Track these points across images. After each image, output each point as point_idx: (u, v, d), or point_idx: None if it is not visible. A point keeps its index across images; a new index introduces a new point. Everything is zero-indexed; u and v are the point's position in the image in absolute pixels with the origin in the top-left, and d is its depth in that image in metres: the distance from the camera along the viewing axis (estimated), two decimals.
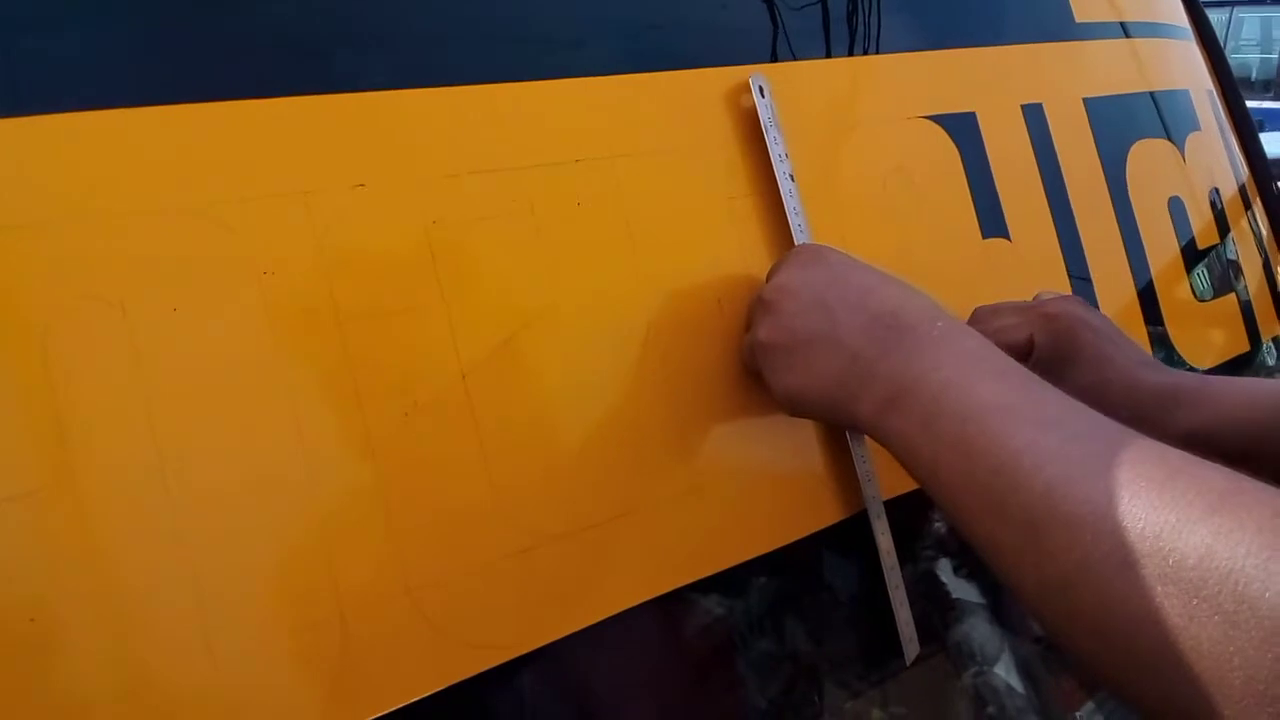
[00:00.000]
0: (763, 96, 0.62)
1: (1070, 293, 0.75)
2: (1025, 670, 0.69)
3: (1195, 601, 0.35)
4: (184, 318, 0.44)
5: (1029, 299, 0.72)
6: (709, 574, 0.57)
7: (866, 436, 0.55)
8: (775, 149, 0.62)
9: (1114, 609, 0.37)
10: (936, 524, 0.68)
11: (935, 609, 0.67)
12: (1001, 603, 0.70)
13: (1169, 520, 0.37)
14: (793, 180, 0.62)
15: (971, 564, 0.69)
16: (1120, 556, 0.37)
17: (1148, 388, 0.63)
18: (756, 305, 0.57)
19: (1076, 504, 0.40)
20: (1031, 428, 0.44)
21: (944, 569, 0.68)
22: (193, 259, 0.45)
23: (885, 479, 0.63)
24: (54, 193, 0.42)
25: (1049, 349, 0.64)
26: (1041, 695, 0.70)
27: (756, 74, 0.62)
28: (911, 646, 0.63)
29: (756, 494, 0.60)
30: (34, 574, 0.40)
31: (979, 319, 0.67)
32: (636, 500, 0.55)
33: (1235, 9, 6.95)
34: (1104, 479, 0.40)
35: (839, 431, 0.63)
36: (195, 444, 0.43)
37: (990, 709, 0.67)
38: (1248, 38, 7.21)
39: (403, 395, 0.49)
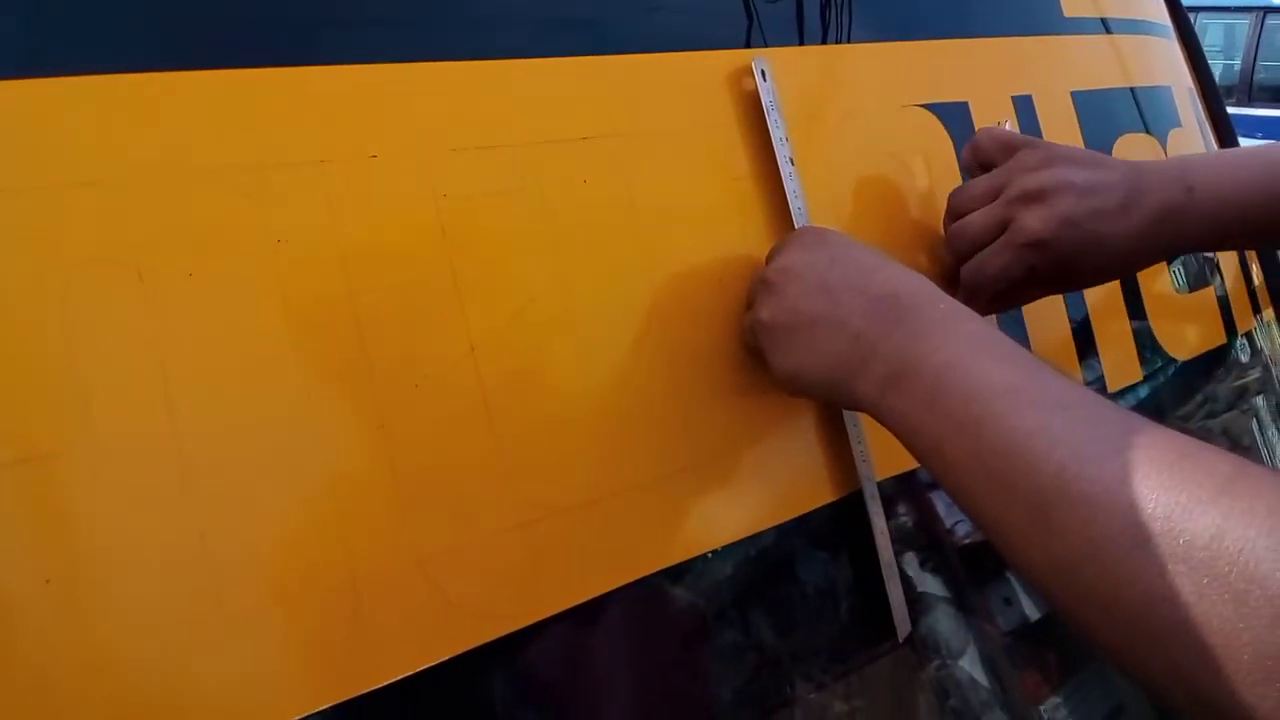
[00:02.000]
0: (765, 80, 0.62)
1: None
2: (990, 664, 0.70)
3: (1206, 580, 0.36)
4: (199, 283, 0.44)
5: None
6: (706, 550, 0.57)
7: (865, 417, 0.55)
8: (776, 132, 0.62)
9: (1125, 588, 0.38)
10: (902, 518, 0.69)
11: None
12: (966, 596, 0.71)
13: (1180, 501, 0.37)
14: (793, 164, 0.62)
15: (937, 558, 0.70)
16: (1132, 536, 0.38)
17: (1135, 234, 0.64)
18: (759, 285, 0.58)
19: (1089, 484, 0.40)
20: (1039, 410, 0.44)
21: (910, 562, 0.69)
22: (208, 225, 0.45)
23: (880, 461, 0.64)
24: (70, 156, 0.42)
25: (1051, 268, 0.64)
26: (1006, 689, 0.71)
27: (759, 58, 0.63)
28: (904, 626, 0.63)
29: (753, 472, 0.60)
30: (49, 536, 0.40)
31: (954, 236, 0.67)
32: (637, 476, 0.55)
33: (1199, 15, 7.06)
34: (1115, 460, 0.40)
35: (835, 412, 0.63)
36: (208, 411, 0.44)
37: (953, 702, 0.68)
38: (1211, 44, 7.33)
39: (413, 367, 0.49)
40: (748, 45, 0.65)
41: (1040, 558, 0.42)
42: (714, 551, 0.58)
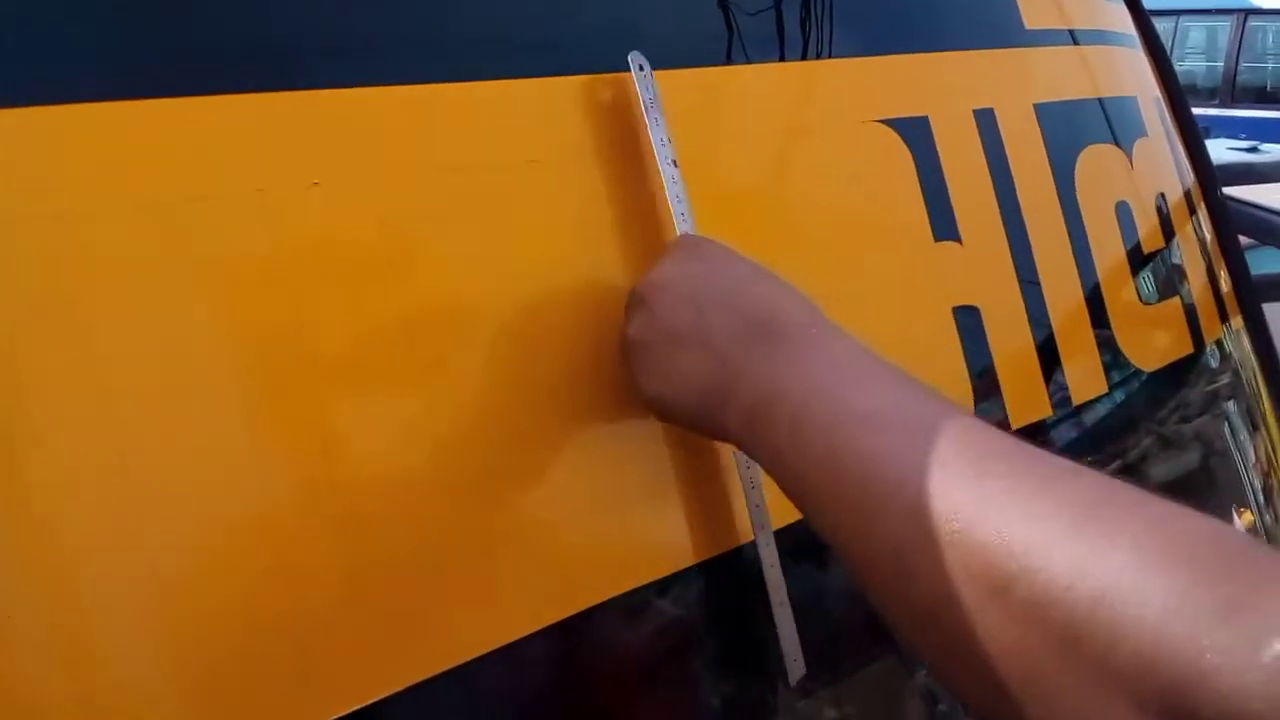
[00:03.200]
0: (642, 72, 0.58)
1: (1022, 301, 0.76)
2: None
3: (1068, 633, 0.32)
4: (140, 317, 0.43)
5: (980, 303, 0.73)
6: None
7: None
8: (656, 132, 0.58)
9: (983, 639, 0.35)
10: None
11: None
12: None
13: (1037, 537, 0.34)
14: (675, 166, 0.58)
15: None
16: (990, 580, 0.35)
17: None
18: (631, 299, 0.53)
19: (943, 521, 0.37)
20: (897, 434, 0.41)
21: None
22: (148, 258, 0.44)
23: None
24: (8, 189, 0.41)
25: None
26: None
27: (636, 54, 0.58)
28: (796, 670, 0.60)
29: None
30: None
31: None
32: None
33: (1181, 18, 7.09)
34: (970, 491, 0.37)
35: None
36: (153, 444, 0.43)
37: (942, 707, 0.68)
38: (1194, 46, 7.37)
39: (358, 394, 0.48)
40: (729, 61, 0.65)
41: (900, 607, 0.39)
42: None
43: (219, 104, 0.47)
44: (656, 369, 0.51)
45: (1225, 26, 7.03)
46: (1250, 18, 6.93)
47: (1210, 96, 6.77)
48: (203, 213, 0.45)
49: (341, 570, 0.47)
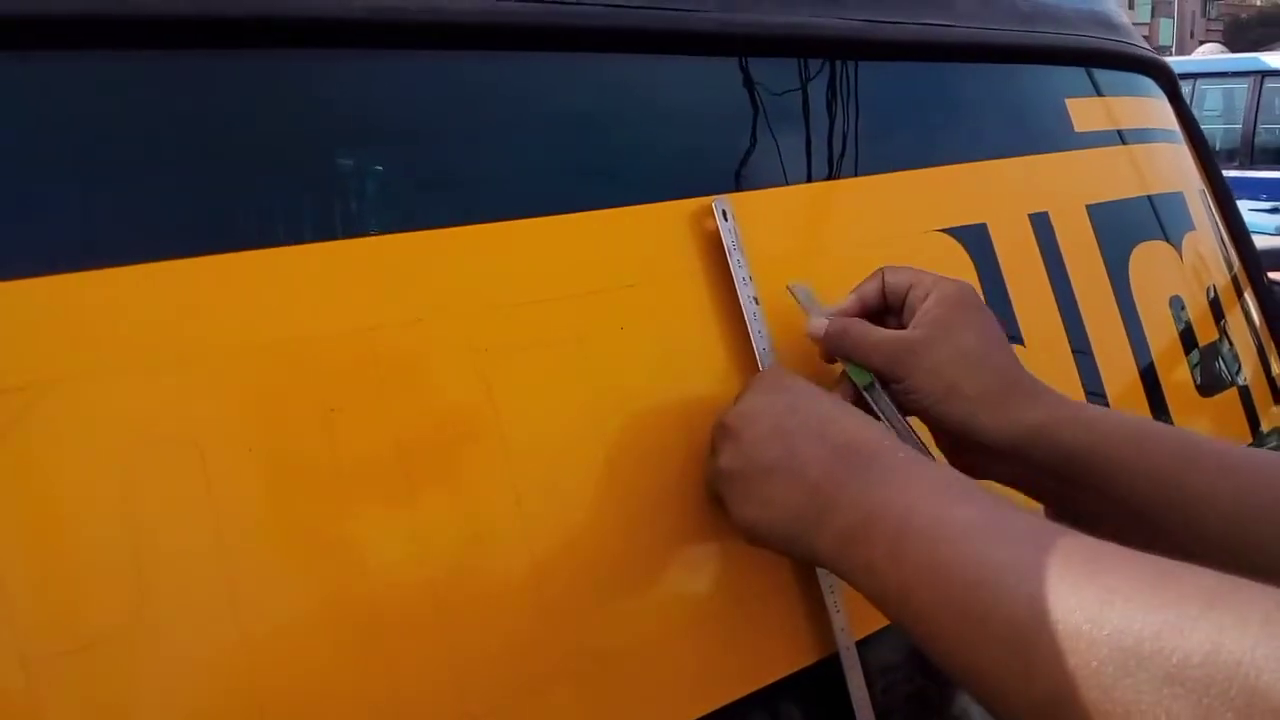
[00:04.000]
0: (725, 220, 0.62)
1: (1084, 398, 0.77)
2: None
3: (1206, 700, 0.34)
4: (258, 456, 0.45)
5: None
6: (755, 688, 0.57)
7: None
8: (739, 272, 0.61)
9: (1115, 718, 0.36)
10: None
11: (931, 682, 0.67)
12: None
13: (1168, 619, 0.36)
14: (757, 304, 0.61)
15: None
16: (1119, 661, 0.36)
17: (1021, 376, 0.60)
18: (718, 430, 0.56)
19: (1067, 613, 0.38)
20: (1007, 544, 0.43)
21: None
22: (264, 398, 0.46)
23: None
24: (130, 342, 0.44)
25: (938, 302, 0.60)
26: None
27: (719, 199, 0.62)
28: None
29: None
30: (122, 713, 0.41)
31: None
32: (692, 614, 0.56)
33: (1198, 81, 7.15)
34: (1092, 585, 0.39)
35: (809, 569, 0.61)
36: (267, 581, 0.45)
37: None
38: (1211, 108, 7.42)
39: (464, 522, 0.50)
40: (785, 182, 0.67)
41: (1020, 700, 0.40)
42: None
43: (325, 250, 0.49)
44: (749, 498, 0.53)
45: (1243, 89, 7.07)
46: (1267, 79, 6.97)
47: (1229, 158, 6.79)
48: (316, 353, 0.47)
49: (445, 690, 0.48)
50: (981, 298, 0.63)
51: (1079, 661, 0.37)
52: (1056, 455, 0.58)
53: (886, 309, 0.62)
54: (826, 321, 0.61)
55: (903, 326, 0.61)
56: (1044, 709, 0.39)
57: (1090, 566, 0.40)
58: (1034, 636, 0.39)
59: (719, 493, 0.56)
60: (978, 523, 0.45)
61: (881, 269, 0.62)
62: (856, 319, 0.61)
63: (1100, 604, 0.38)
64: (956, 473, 0.50)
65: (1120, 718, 0.36)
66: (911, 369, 0.59)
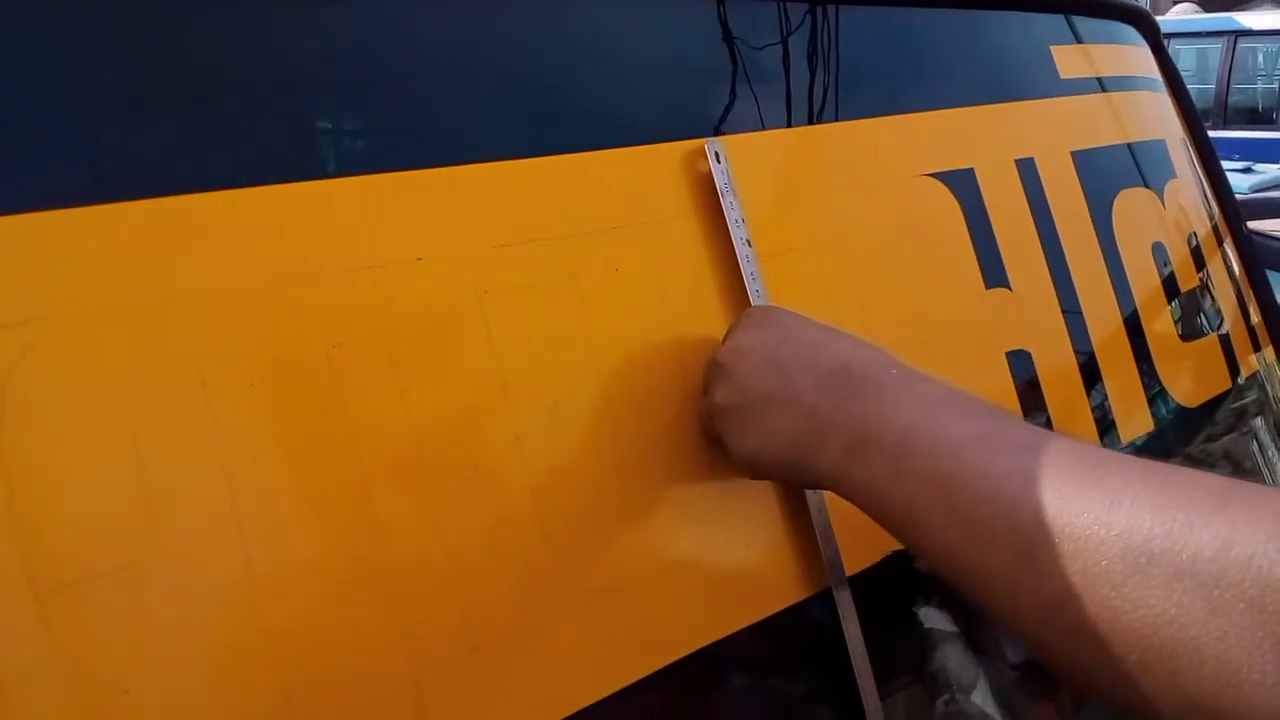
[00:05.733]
0: (719, 163, 0.62)
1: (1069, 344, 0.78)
2: (1002, 697, 0.70)
3: (1217, 592, 0.34)
4: (260, 391, 0.46)
5: (1031, 347, 0.75)
6: (743, 625, 0.58)
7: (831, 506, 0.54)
8: (732, 214, 0.62)
9: (1123, 615, 0.37)
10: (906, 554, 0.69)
11: (909, 638, 0.69)
12: (975, 630, 0.72)
13: (1178, 518, 0.36)
14: (750, 245, 0.62)
15: (943, 593, 0.70)
16: (1130, 560, 0.37)
17: None
18: (711, 368, 0.57)
19: (1073, 516, 0.39)
20: (1009, 454, 0.43)
21: (917, 599, 0.69)
22: (266, 335, 0.46)
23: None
24: (135, 276, 0.44)
25: None
26: None
27: (712, 141, 0.62)
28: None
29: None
30: (125, 649, 0.41)
31: None
32: (685, 552, 0.57)
33: (1172, 41, 7.16)
34: (1098, 488, 0.39)
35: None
36: (272, 514, 0.45)
37: None
38: (1185, 68, 7.44)
39: (464, 459, 0.50)
40: (775, 125, 0.67)
41: (1027, 600, 0.41)
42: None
43: (327, 188, 0.49)
44: (747, 430, 0.54)
45: (1217, 48, 7.09)
46: (1241, 39, 6.99)
47: (1203, 118, 6.81)
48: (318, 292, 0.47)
49: (453, 627, 0.49)
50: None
51: (1088, 562, 0.38)
52: None
53: None
54: None
55: None
56: (1053, 610, 0.40)
57: (1095, 471, 0.40)
58: (1041, 541, 0.40)
59: (716, 429, 0.56)
60: (977, 434, 0.45)
61: None
62: None
63: (1107, 506, 0.38)
64: (951, 386, 0.50)
65: (1129, 613, 0.37)
66: None
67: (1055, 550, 0.39)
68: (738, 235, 0.61)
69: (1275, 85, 7.02)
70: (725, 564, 0.59)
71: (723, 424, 0.55)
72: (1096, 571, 0.38)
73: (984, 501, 0.43)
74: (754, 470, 0.55)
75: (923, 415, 0.47)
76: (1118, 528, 0.38)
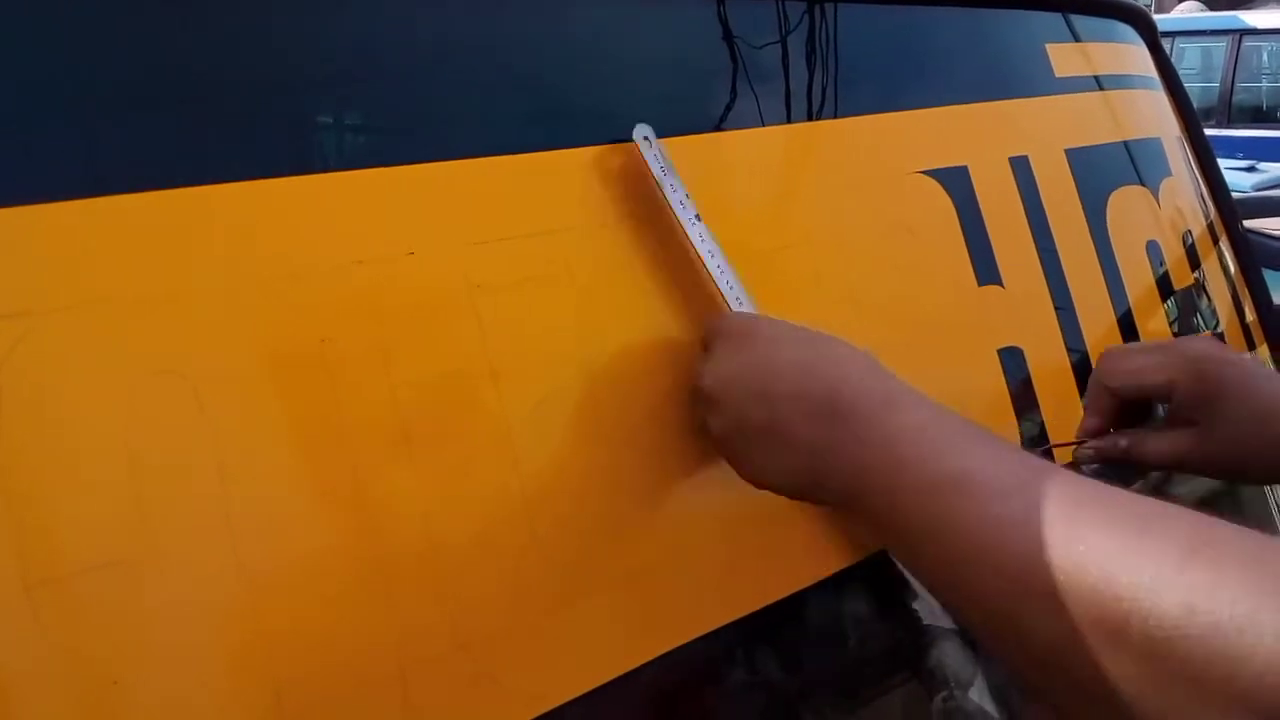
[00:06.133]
0: (650, 147, 0.59)
1: (1061, 341, 0.79)
2: (999, 694, 0.71)
3: (1187, 665, 0.35)
4: (251, 386, 0.46)
5: (1023, 344, 0.75)
6: (733, 618, 0.59)
7: None
8: (674, 196, 0.59)
9: (1111, 679, 0.37)
10: None
11: (907, 635, 0.69)
12: None
13: (1144, 582, 0.37)
14: (699, 220, 0.59)
15: None
16: (1105, 625, 0.37)
17: None
18: (697, 396, 0.56)
19: (1052, 573, 0.39)
20: (993, 500, 0.43)
21: (914, 595, 0.70)
22: (256, 331, 0.46)
23: None
24: (127, 272, 0.44)
25: (1191, 391, 0.62)
26: (1015, 718, 0.73)
27: (641, 126, 0.59)
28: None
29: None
30: (115, 642, 0.42)
31: (1109, 359, 0.67)
32: (666, 549, 0.57)
33: (1176, 39, 7.15)
34: (1074, 545, 0.39)
35: None
36: (262, 509, 0.45)
37: None
38: (1189, 67, 7.42)
39: (455, 454, 0.51)
40: (767, 123, 0.68)
41: (1019, 656, 0.42)
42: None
43: (317, 183, 0.50)
44: (748, 458, 0.54)
45: (1221, 47, 7.07)
46: (1245, 38, 6.98)
47: (1207, 117, 6.80)
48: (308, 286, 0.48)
49: (441, 624, 0.49)
50: (1222, 350, 0.66)
51: (1066, 626, 0.38)
52: None
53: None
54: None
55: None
56: (1041, 666, 0.41)
57: (1071, 519, 0.40)
58: (1023, 601, 0.40)
59: (719, 453, 0.56)
60: (962, 473, 0.45)
61: (1096, 374, 0.67)
62: (1121, 444, 0.65)
63: (1080, 566, 0.39)
64: (937, 408, 0.49)
65: (1119, 678, 0.37)
66: (1200, 468, 0.63)
67: (1037, 609, 0.40)
68: (686, 216, 0.59)
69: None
70: (712, 558, 0.60)
71: (723, 451, 0.55)
72: (1080, 635, 0.38)
73: (970, 555, 0.43)
74: (766, 488, 0.55)
75: (910, 452, 0.47)
76: (1088, 589, 0.38)
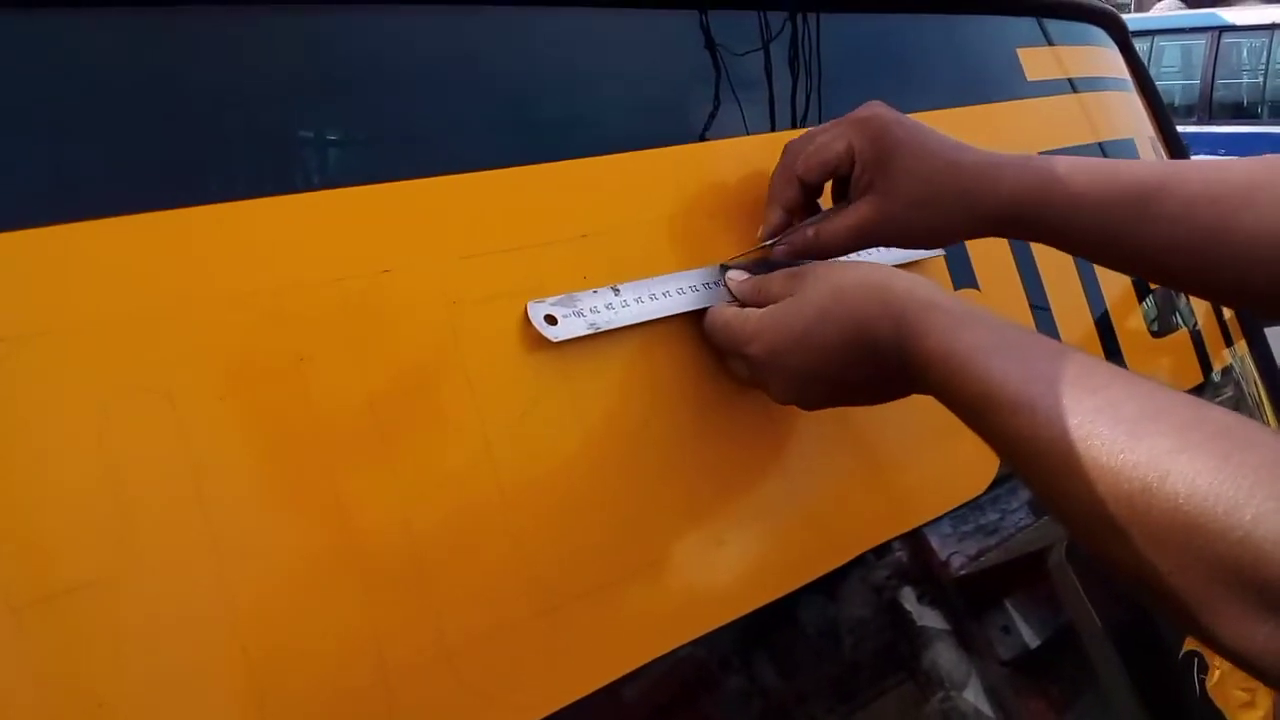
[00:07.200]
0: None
1: None
2: (993, 694, 0.72)
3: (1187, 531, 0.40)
4: (229, 404, 0.46)
5: None
6: (722, 623, 0.59)
7: None
8: None
9: (1135, 542, 0.42)
10: (897, 552, 0.71)
11: (901, 637, 0.70)
12: (966, 628, 0.73)
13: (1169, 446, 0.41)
14: None
15: (934, 591, 0.72)
16: (1120, 495, 0.42)
17: (969, 164, 0.65)
18: (739, 335, 0.59)
19: (1083, 448, 0.43)
20: (1014, 360, 0.48)
21: (907, 597, 0.71)
22: (235, 349, 0.47)
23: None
24: (102, 293, 0.44)
25: (869, 151, 0.64)
26: (1010, 718, 0.73)
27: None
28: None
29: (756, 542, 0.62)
30: (98, 662, 0.42)
31: (792, 148, 0.67)
32: (646, 555, 0.58)
33: (1156, 37, 7.20)
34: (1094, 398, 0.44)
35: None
36: (243, 526, 0.46)
37: None
38: (1169, 64, 7.47)
39: (435, 468, 0.51)
40: (743, 132, 0.68)
41: (1063, 515, 0.47)
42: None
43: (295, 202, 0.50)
44: (795, 391, 0.59)
45: (1200, 44, 7.12)
46: (1224, 34, 7.03)
47: (1188, 114, 6.85)
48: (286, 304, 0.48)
49: (425, 633, 0.49)
50: (890, 109, 0.66)
51: (1092, 498, 0.43)
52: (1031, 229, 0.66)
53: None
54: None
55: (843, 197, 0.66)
56: (1081, 529, 0.46)
57: (1090, 382, 0.45)
58: (1065, 464, 0.44)
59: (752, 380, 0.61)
60: (985, 345, 0.49)
61: (781, 166, 0.67)
62: (808, 233, 0.65)
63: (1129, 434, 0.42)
64: (949, 330, 0.52)
65: (1140, 542, 0.42)
66: (882, 237, 0.65)
67: (1077, 483, 0.44)
68: None
69: (1259, 80, 7.05)
70: (697, 565, 0.60)
71: (760, 379, 0.60)
72: (1103, 506, 0.43)
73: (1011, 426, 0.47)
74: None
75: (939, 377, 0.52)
76: (1134, 457, 0.42)
